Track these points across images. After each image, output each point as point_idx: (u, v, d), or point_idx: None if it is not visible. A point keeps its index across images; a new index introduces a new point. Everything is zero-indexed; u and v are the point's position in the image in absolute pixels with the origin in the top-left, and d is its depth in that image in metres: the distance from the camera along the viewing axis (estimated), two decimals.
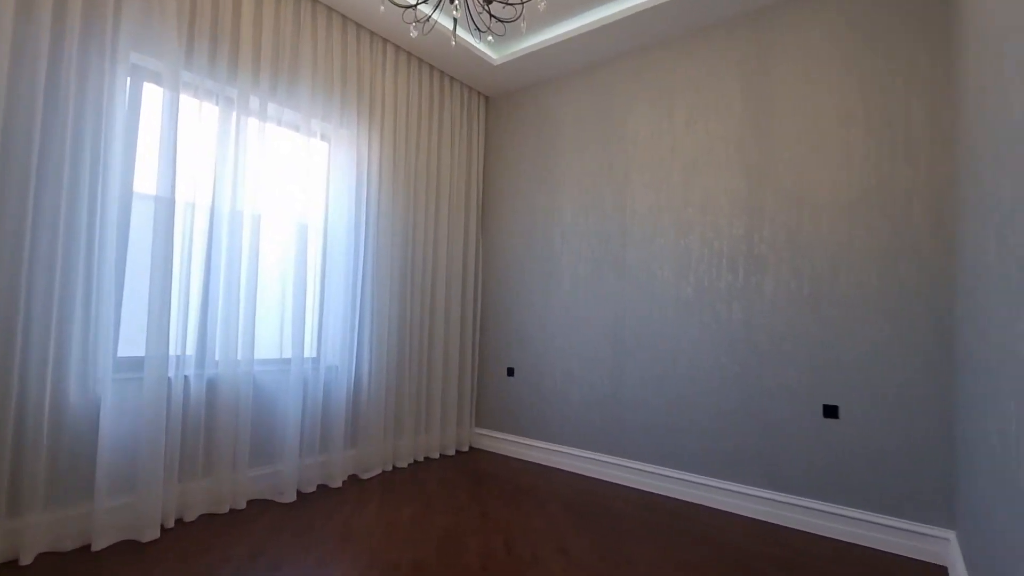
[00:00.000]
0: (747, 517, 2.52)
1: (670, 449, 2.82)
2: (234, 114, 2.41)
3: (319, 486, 2.73)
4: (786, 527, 2.40)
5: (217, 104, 2.38)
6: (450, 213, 3.57)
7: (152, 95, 2.24)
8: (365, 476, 2.90)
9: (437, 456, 3.39)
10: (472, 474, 3.05)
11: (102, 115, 1.98)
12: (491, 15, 1.70)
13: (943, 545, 2.07)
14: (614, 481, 3.00)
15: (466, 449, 3.62)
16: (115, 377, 2.06)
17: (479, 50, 3.25)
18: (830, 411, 2.37)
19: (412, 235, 3.27)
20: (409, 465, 3.19)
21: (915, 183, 2.23)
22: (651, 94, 3.06)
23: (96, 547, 1.91)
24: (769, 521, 2.46)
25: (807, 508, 2.38)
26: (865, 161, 2.35)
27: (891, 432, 2.22)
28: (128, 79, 2.06)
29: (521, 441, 3.45)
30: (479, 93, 3.83)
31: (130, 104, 2.14)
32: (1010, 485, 1.17)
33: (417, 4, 1.59)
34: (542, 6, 1.59)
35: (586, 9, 2.91)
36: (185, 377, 2.25)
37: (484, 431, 3.66)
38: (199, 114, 2.29)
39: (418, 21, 1.69)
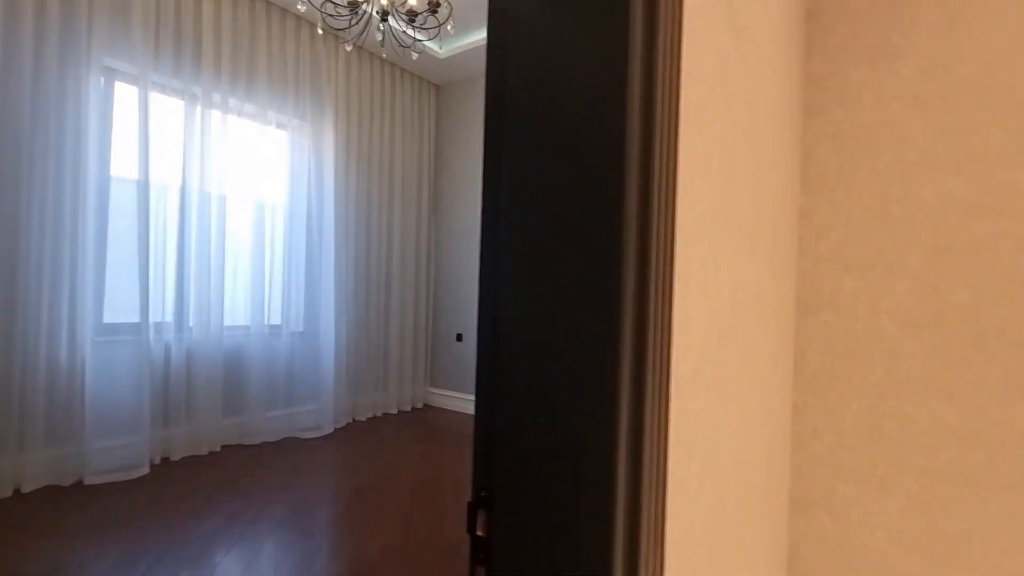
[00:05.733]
0: None
1: None
2: (198, 108, 2.72)
3: (284, 437, 3.15)
4: None
5: (183, 99, 2.68)
6: (403, 193, 3.92)
7: (125, 92, 2.54)
8: (329, 428, 3.33)
9: (395, 412, 3.83)
10: (421, 425, 3.51)
11: (80, 111, 2.29)
12: (413, 38, 2.04)
13: None
14: None
15: (420, 406, 4.07)
16: (99, 340, 2.41)
17: (426, 47, 3.57)
18: None
19: (367, 213, 3.63)
20: (368, 419, 3.62)
21: None
22: None
23: (88, 481, 2.30)
24: None
25: None
26: None
27: None
28: (102, 79, 2.36)
29: (466, 397, 3.91)
30: (429, 83, 4.14)
31: (103, 100, 2.44)
32: None
33: (349, 27, 1.93)
34: (451, 30, 1.94)
35: None
36: (164, 340, 2.62)
37: (436, 390, 4.11)
38: (167, 108, 2.60)
39: (350, 40, 2.03)
